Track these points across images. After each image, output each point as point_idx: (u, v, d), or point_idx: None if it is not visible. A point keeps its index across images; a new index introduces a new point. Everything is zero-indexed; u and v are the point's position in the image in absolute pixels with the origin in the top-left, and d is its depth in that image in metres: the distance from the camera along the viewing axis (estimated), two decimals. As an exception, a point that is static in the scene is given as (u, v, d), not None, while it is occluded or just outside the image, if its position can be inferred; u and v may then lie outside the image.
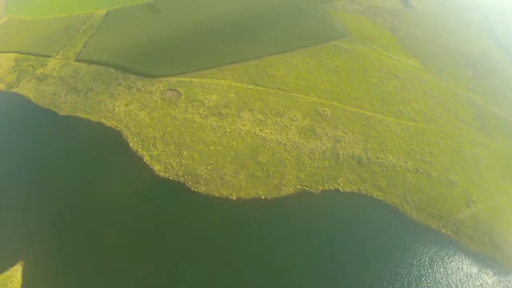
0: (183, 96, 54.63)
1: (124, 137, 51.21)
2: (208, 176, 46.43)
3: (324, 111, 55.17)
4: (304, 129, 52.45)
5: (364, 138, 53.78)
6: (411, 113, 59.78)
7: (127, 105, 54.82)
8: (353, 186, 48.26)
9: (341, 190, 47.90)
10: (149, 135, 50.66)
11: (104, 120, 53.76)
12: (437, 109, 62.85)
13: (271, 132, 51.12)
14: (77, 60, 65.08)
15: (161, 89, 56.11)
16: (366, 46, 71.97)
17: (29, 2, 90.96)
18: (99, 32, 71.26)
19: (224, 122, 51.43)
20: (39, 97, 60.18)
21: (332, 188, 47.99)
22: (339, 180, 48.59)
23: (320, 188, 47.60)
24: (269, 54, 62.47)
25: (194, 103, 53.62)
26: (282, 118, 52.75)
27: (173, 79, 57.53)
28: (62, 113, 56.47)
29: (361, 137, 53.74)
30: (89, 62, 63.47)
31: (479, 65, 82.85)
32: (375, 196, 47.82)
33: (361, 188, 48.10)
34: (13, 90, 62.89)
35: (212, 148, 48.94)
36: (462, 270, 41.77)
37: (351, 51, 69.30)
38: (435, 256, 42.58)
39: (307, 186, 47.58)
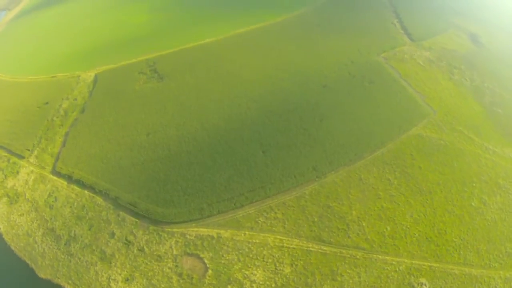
0: (210, 271, 31.70)
1: None
2: None
3: (421, 285, 32.77)
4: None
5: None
6: (518, 255, 37.19)
7: (127, 280, 32.05)
8: None
9: None
10: None
11: (96, 306, 32.48)
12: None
13: None
14: (54, 172, 40.69)
15: (175, 252, 32.39)
16: (455, 132, 46.14)
17: (8, 58, 63.18)
18: (84, 117, 45.33)
19: (280, 332, 29.86)
20: (12, 234, 37.83)
21: None
22: None
23: None
24: (332, 170, 37.43)
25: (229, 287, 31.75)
26: (368, 316, 30.89)
27: (192, 231, 33.25)
28: (41, 274, 34.21)
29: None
30: (69, 180, 38.90)
31: None
32: None
33: None
34: (-17, 212, 41.07)
35: None
36: None
37: (440, 145, 43.71)
38: None
39: None
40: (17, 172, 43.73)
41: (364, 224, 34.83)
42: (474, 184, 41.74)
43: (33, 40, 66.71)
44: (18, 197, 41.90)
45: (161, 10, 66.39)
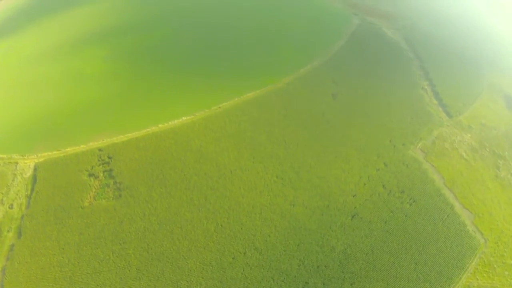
0: None
1: None
2: None
3: None
4: None
5: None
6: None
7: None
8: None
9: None
10: None
11: None
12: None
13: None
14: None
15: None
16: (506, 269, 32.66)
17: None
18: (21, 245, 28.36)
19: None
20: None
21: None
22: None
23: None
24: None
25: None
26: None
27: None
28: None
29: None
30: None
31: None
32: None
33: None
34: None
35: None
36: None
37: (495, 301, 32.64)
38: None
39: None
40: None
41: None
42: None
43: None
44: None
45: (121, 58, 44.96)
